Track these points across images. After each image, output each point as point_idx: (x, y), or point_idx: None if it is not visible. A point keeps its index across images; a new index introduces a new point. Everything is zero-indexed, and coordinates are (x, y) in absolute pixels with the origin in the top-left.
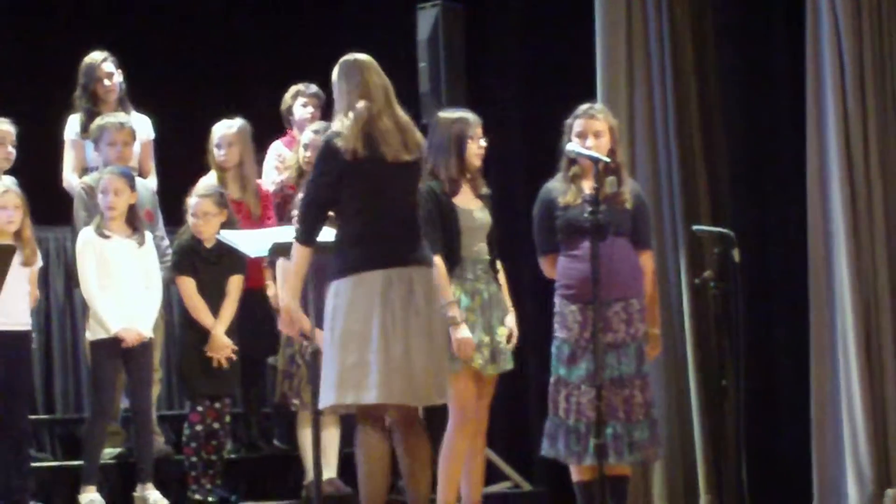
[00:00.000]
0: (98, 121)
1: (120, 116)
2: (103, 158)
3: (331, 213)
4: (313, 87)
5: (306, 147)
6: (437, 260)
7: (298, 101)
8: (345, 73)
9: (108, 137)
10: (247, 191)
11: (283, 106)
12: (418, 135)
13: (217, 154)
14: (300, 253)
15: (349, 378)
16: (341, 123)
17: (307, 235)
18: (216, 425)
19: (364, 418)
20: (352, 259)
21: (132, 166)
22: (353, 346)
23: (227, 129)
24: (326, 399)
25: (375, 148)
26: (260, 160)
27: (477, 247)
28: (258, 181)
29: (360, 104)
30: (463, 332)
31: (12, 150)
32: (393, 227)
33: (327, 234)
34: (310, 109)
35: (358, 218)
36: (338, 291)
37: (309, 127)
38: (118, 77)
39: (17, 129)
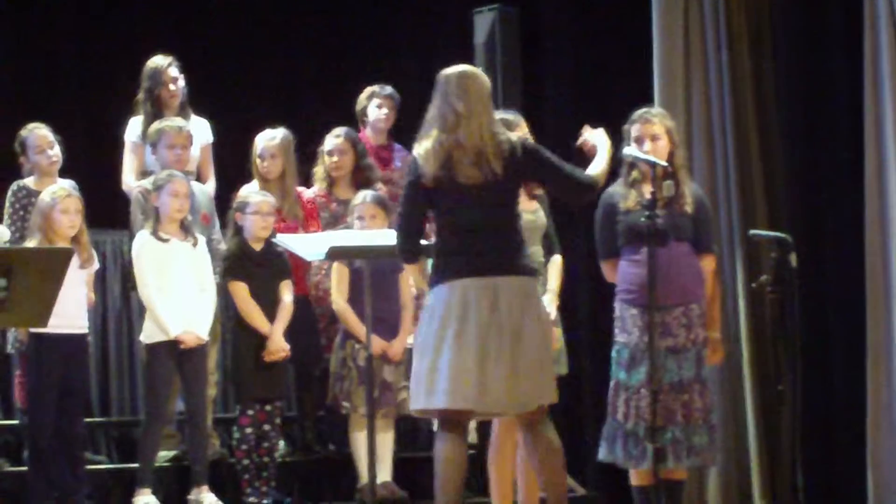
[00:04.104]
0: (156, 124)
1: (178, 120)
2: (161, 162)
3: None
4: (388, 89)
5: (331, 153)
6: None
7: (373, 103)
8: (437, 88)
9: (166, 141)
10: (288, 200)
11: (358, 107)
12: (505, 149)
13: (260, 165)
14: (407, 268)
15: (422, 384)
16: (421, 145)
17: (404, 251)
18: (267, 427)
19: (442, 423)
20: (436, 271)
21: (189, 170)
22: (428, 353)
23: (269, 141)
24: (411, 404)
25: (451, 172)
26: (304, 169)
27: (532, 249)
28: (299, 189)
29: (435, 131)
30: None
31: (53, 154)
32: (473, 241)
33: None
34: (384, 111)
35: (442, 232)
36: (426, 301)
37: (331, 132)
38: (182, 82)
39: (64, 128)
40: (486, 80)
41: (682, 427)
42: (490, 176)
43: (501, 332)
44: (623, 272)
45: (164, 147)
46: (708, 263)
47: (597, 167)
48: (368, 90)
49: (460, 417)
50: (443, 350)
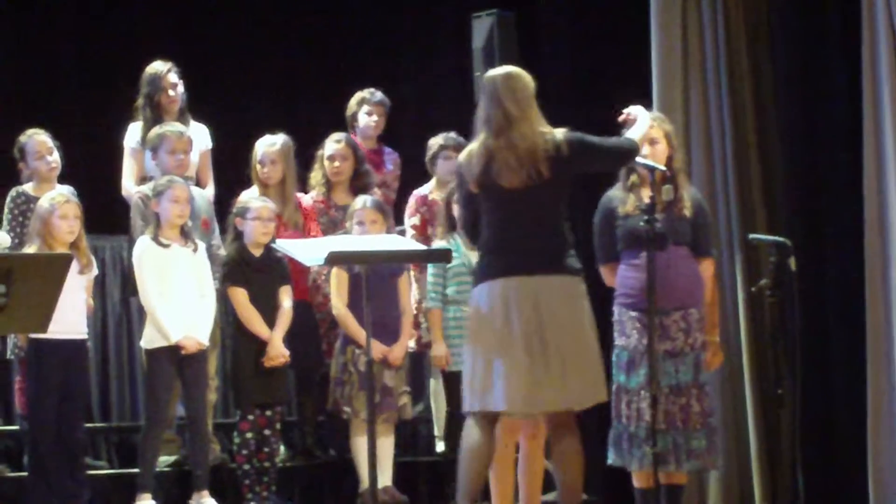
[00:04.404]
0: (157, 129)
1: (178, 125)
2: (162, 167)
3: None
4: (378, 95)
5: (332, 159)
6: None
7: (363, 109)
8: (482, 92)
9: (167, 146)
10: (288, 206)
11: (348, 112)
12: (551, 149)
13: (260, 171)
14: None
15: (477, 385)
16: (466, 150)
17: (475, 243)
18: (267, 432)
19: (473, 418)
20: (480, 269)
21: (188, 175)
22: (479, 354)
23: (270, 146)
24: (463, 405)
25: (493, 175)
26: (303, 174)
27: None
28: (298, 195)
29: (483, 134)
30: None
31: (52, 160)
32: (517, 241)
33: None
34: (374, 118)
35: (487, 231)
36: (471, 300)
37: (330, 137)
38: (181, 87)
39: (63, 133)
40: (530, 80)
41: (682, 431)
42: (535, 178)
43: (544, 332)
44: (622, 276)
45: (165, 152)
46: (707, 267)
47: (638, 132)
48: (358, 96)
49: (492, 417)
50: (492, 351)
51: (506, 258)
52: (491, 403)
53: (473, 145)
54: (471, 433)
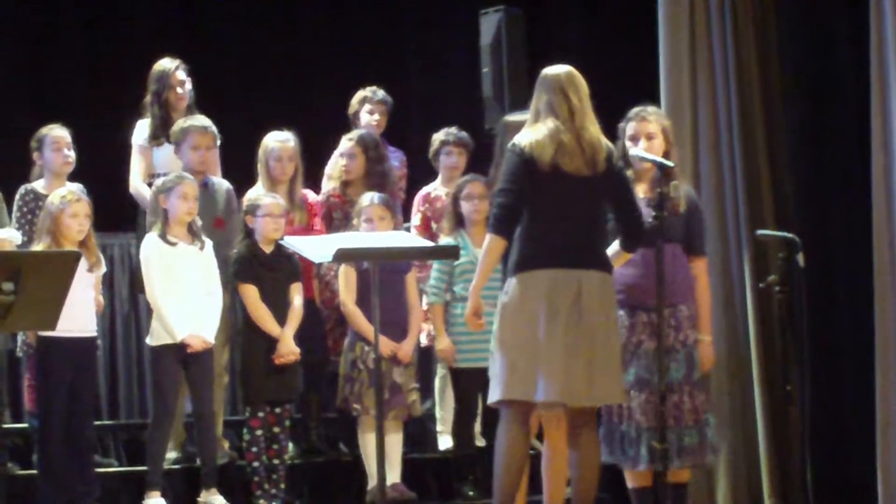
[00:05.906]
0: (180, 123)
1: (203, 120)
2: (185, 162)
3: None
4: (380, 93)
5: (342, 156)
6: None
7: (364, 108)
8: (542, 86)
9: (191, 142)
10: (294, 202)
11: (350, 110)
12: (605, 152)
13: (275, 166)
14: (493, 244)
15: (516, 375)
16: (531, 133)
17: (500, 229)
18: (277, 430)
19: (509, 411)
20: (521, 257)
21: (211, 171)
22: (520, 344)
23: (285, 142)
24: (493, 395)
25: (557, 160)
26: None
27: None
28: (304, 192)
29: (550, 120)
30: None
31: (69, 154)
32: (565, 232)
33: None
34: (376, 117)
35: (533, 219)
36: (507, 289)
37: (345, 137)
38: (189, 84)
39: (71, 131)
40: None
41: (673, 428)
42: (593, 169)
43: (581, 325)
44: (614, 272)
45: (188, 148)
46: (698, 266)
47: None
48: (360, 94)
49: (527, 407)
50: (535, 343)
51: (550, 249)
52: (531, 394)
53: (543, 129)
54: (506, 429)
